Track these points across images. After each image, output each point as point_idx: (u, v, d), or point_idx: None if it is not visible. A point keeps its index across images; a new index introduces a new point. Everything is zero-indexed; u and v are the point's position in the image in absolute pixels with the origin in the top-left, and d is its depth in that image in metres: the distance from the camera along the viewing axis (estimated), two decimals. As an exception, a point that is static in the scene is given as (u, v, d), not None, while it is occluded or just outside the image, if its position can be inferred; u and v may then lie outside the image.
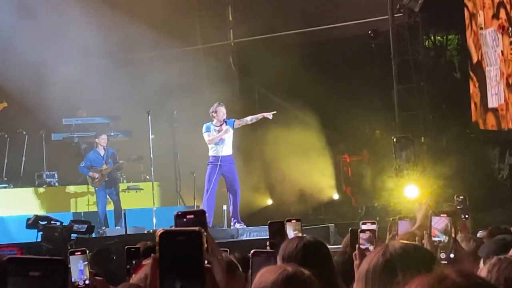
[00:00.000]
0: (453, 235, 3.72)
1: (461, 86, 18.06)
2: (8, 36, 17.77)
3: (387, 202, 16.84)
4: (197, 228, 2.20)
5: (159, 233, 2.17)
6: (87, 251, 4.31)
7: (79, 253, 4.24)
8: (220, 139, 14.25)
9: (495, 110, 16.39)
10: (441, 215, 3.76)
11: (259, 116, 14.73)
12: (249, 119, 14.70)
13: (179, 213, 3.14)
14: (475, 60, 17.04)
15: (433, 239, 3.71)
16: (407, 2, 17.66)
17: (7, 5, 18.04)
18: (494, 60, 16.24)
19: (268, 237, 4.84)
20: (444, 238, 3.72)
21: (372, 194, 18.16)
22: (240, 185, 14.52)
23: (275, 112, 14.69)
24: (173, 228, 2.88)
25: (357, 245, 4.18)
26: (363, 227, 4.61)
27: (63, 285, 1.92)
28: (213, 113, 14.32)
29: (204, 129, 14.33)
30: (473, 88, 17.14)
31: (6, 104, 17.58)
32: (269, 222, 4.89)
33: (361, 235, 4.48)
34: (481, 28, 16.61)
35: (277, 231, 4.81)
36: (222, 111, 14.29)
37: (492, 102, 16.48)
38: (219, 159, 14.24)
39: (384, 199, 17.02)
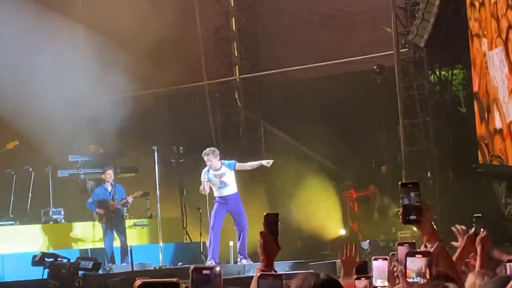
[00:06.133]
0: (427, 276, 3.50)
1: (466, 121, 18.06)
2: (19, 77, 17.94)
3: (395, 236, 16.81)
4: (175, 280, 2.26)
5: (137, 284, 2.22)
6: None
7: None
8: (222, 183, 14.42)
9: (501, 133, 16.24)
10: (417, 255, 3.56)
11: (257, 163, 14.97)
12: (249, 165, 15.00)
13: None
14: (478, 89, 16.96)
15: (408, 280, 3.54)
16: (412, 37, 17.73)
17: (16, 44, 18.22)
18: (502, 81, 16.14)
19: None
20: (419, 280, 3.54)
21: (379, 229, 18.12)
22: (247, 221, 14.52)
23: (272, 160, 14.89)
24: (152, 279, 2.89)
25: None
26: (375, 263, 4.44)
27: None
28: (208, 162, 14.50)
29: (205, 178, 14.42)
30: (478, 122, 17.09)
31: (17, 143, 17.72)
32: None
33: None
34: (488, 48, 16.46)
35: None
36: (214, 160, 14.39)
37: (500, 123, 16.33)
38: (225, 199, 14.49)
39: (390, 234, 16.97)
